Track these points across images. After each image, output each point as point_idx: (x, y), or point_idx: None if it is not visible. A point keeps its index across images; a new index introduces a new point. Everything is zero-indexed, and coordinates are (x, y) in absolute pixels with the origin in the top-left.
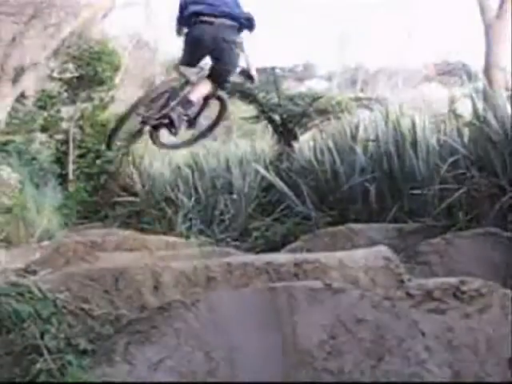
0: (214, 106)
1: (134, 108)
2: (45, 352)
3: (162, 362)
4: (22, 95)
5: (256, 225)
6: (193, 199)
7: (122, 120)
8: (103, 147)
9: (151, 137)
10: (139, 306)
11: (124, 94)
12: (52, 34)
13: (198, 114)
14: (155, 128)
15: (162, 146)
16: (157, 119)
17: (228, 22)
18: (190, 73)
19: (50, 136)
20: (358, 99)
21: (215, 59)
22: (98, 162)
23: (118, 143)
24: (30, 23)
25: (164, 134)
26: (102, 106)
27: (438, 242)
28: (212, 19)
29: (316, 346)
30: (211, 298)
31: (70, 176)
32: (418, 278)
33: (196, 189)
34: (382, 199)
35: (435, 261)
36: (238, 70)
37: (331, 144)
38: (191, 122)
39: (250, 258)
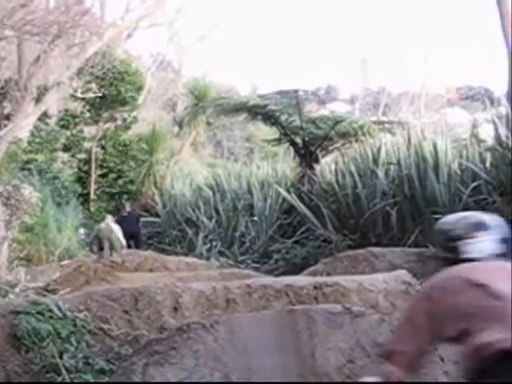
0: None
1: None
2: (63, 371)
3: None
4: (45, 114)
5: (276, 247)
6: (214, 220)
7: None
8: (125, 167)
9: None
10: (158, 326)
11: (147, 114)
12: (76, 53)
13: None
14: None
15: None
16: None
17: None
18: None
19: (72, 155)
20: (380, 123)
21: None
22: (120, 182)
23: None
24: (54, 43)
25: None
26: (124, 126)
27: None
28: None
29: (335, 370)
30: (230, 319)
31: (92, 195)
32: None
33: (217, 210)
34: (403, 223)
35: None
36: None
37: (353, 167)
38: None
39: (269, 280)
